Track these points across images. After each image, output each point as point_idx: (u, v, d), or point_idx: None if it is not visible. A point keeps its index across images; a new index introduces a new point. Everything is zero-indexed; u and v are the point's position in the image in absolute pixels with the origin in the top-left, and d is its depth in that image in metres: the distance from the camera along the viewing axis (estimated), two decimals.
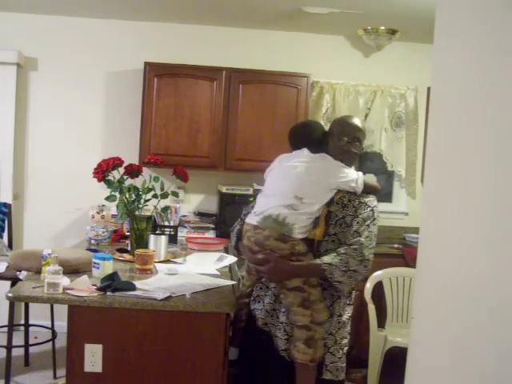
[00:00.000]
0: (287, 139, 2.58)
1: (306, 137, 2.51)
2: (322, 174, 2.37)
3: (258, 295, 2.47)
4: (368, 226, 2.30)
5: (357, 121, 2.45)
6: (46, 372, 3.76)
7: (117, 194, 3.16)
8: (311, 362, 2.29)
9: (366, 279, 3.64)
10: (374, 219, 2.33)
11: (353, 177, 2.36)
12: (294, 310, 2.30)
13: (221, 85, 4.26)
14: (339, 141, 2.40)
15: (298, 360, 2.29)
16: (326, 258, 2.26)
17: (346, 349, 2.41)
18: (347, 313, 2.41)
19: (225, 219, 4.30)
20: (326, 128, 2.56)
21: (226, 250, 3.69)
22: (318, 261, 2.27)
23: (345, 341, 2.40)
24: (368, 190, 2.40)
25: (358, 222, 2.31)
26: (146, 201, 3.22)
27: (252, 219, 2.40)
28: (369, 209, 2.33)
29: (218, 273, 2.92)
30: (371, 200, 2.37)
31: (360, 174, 2.40)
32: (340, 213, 2.34)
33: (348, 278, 2.24)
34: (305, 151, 2.45)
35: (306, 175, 2.37)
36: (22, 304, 4.04)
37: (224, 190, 4.33)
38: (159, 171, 3.70)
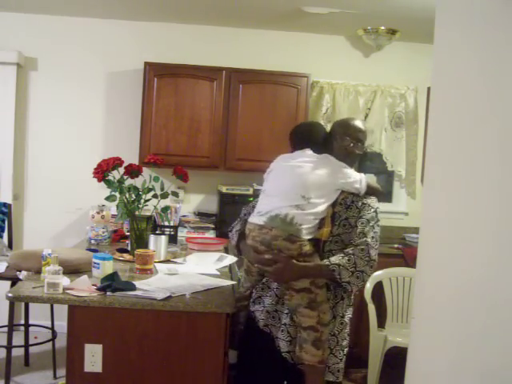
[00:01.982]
0: (288, 139, 2.55)
1: (309, 137, 2.49)
2: (328, 175, 2.36)
3: (258, 296, 2.45)
4: (372, 226, 2.32)
5: (358, 122, 2.47)
6: (45, 372, 3.76)
7: (117, 193, 3.16)
8: (320, 363, 2.28)
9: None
10: (378, 220, 2.35)
11: (357, 178, 2.38)
12: (301, 311, 2.28)
13: (221, 85, 4.26)
14: (342, 141, 2.40)
15: (307, 362, 2.26)
16: (334, 259, 2.26)
17: (346, 350, 2.41)
18: (348, 314, 2.42)
19: (225, 219, 4.29)
20: (327, 129, 2.56)
21: (226, 250, 3.69)
22: (326, 262, 2.27)
23: (345, 342, 2.41)
24: (370, 191, 2.41)
25: (362, 223, 2.32)
26: (146, 201, 3.22)
27: (257, 219, 2.36)
28: (372, 210, 2.35)
29: (218, 273, 2.92)
30: (373, 201, 2.39)
31: (362, 175, 2.41)
32: (343, 214, 2.35)
33: (356, 279, 2.25)
34: (308, 151, 2.43)
35: (312, 175, 2.35)
36: (22, 304, 4.04)
37: (224, 190, 4.33)
38: (159, 171, 3.70)
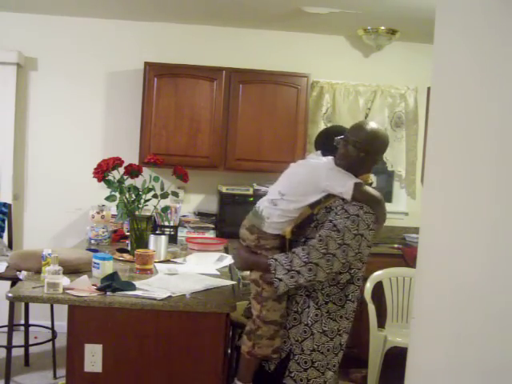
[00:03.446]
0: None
1: (321, 140, 2.56)
2: (312, 175, 2.28)
3: None
4: (336, 231, 2.15)
5: (363, 124, 2.33)
6: (46, 372, 3.76)
7: (117, 193, 3.16)
8: (247, 354, 2.31)
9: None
10: (346, 227, 2.15)
11: (344, 182, 2.21)
12: (250, 301, 2.37)
13: (221, 85, 4.26)
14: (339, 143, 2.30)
15: (241, 350, 2.35)
16: (277, 255, 2.23)
17: (318, 364, 2.22)
18: (323, 326, 2.23)
19: (225, 219, 4.30)
20: None
21: (226, 250, 3.69)
22: (270, 256, 2.24)
23: (318, 356, 2.22)
24: (360, 197, 2.21)
25: (326, 227, 2.19)
26: (146, 201, 3.22)
27: None
28: (345, 215, 2.17)
29: (218, 273, 2.92)
30: (354, 208, 2.18)
31: (355, 180, 2.23)
32: (323, 217, 2.25)
33: (289, 278, 2.15)
34: (318, 153, 2.44)
35: (297, 174, 2.34)
36: (22, 304, 4.04)
37: (224, 190, 4.33)
38: (159, 171, 3.70)
